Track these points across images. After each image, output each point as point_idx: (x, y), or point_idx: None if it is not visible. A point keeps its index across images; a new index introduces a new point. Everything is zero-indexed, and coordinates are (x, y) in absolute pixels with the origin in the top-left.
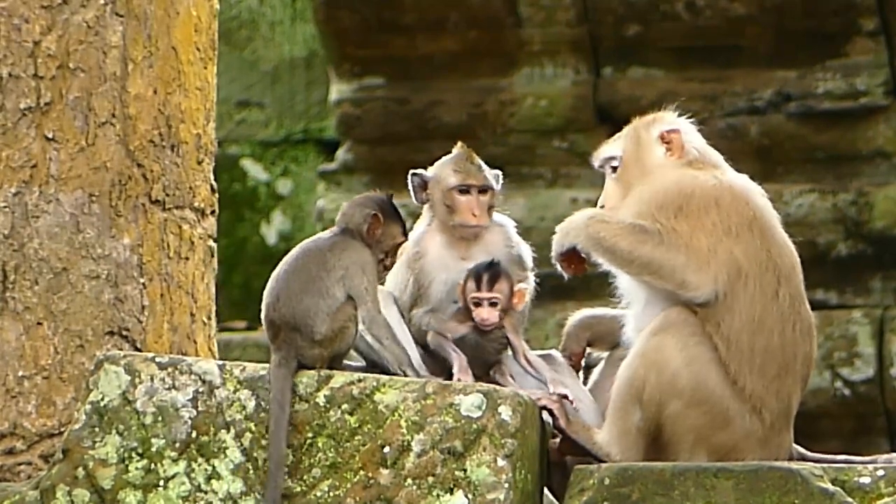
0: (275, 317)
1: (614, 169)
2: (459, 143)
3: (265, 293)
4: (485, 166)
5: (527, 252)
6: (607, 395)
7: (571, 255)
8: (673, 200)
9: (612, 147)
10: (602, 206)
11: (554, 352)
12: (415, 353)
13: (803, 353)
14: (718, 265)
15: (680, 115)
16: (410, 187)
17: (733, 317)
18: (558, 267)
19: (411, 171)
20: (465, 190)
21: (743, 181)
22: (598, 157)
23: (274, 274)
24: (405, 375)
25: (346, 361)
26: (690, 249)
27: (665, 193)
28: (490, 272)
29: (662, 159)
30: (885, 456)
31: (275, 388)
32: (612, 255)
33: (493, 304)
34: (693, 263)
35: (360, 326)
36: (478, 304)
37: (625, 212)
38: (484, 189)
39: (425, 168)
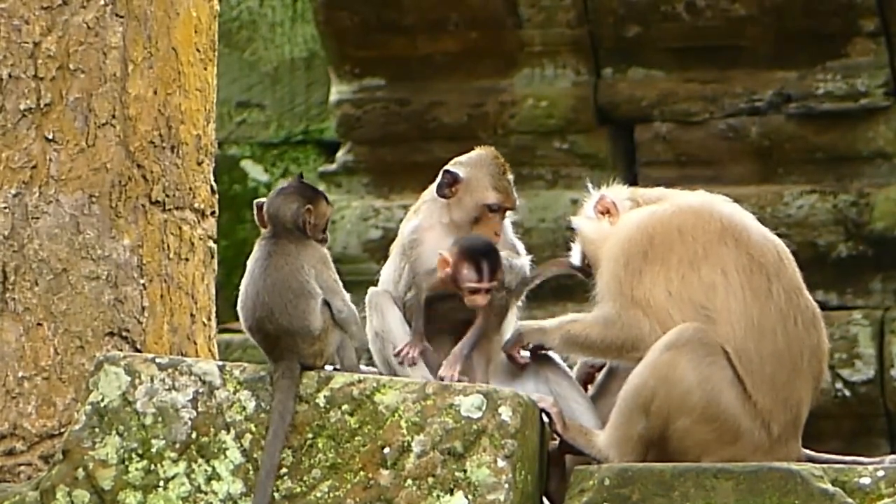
0: (271, 329)
1: (590, 267)
2: (492, 150)
3: (249, 307)
4: (511, 178)
5: (516, 239)
6: (612, 399)
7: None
8: (637, 249)
9: (573, 256)
10: None
11: (551, 353)
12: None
13: (810, 347)
14: (684, 305)
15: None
16: (439, 181)
17: (734, 328)
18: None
19: (444, 169)
20: (496, 209)
21: (701, 197)
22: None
23: (253, 288)
24: (359, 369)
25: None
26: (651, 311)
27: (629, 244)
28: (490, 260)
29: (612, 227)
30: (892, 457)
31: (277, 399)
32: (581, 348)
33: (488, 292)
34: (657, 327)
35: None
36: (475, 291)
37: (600, 281)
38: (511, 209)
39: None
